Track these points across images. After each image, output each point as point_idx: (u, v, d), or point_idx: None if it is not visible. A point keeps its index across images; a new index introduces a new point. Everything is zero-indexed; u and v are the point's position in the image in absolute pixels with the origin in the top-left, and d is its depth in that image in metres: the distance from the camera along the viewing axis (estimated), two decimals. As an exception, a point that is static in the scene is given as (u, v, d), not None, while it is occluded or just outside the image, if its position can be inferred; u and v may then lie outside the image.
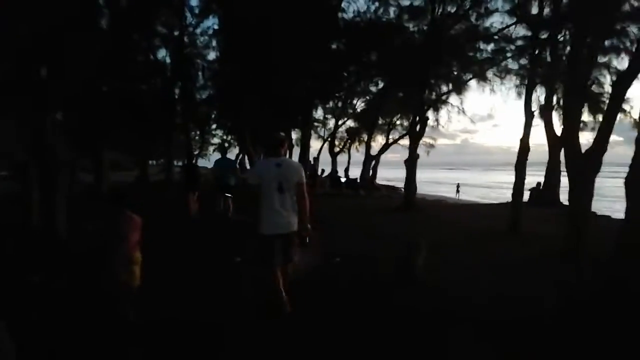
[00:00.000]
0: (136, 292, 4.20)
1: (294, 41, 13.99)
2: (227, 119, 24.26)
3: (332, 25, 14.74)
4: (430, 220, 12.39)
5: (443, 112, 17.30)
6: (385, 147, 25.11)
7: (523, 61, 13.47)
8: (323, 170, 24.48)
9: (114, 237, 4.12)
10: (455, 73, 14.05)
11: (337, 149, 38.45)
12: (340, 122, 34.12)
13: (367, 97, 24.52)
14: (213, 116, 29.86)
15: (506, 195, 32.56)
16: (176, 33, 23.09)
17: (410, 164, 14.08)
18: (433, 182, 44.30)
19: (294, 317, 4.40)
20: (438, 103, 15.02)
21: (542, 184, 17.41)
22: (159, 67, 23.11)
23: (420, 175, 22.36)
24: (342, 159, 36.35)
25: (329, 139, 37.86)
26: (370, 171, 23.61)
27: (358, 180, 21.42)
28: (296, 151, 36.75)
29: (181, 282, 5.78)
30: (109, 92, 18.83)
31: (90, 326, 4.13)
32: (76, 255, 7.25)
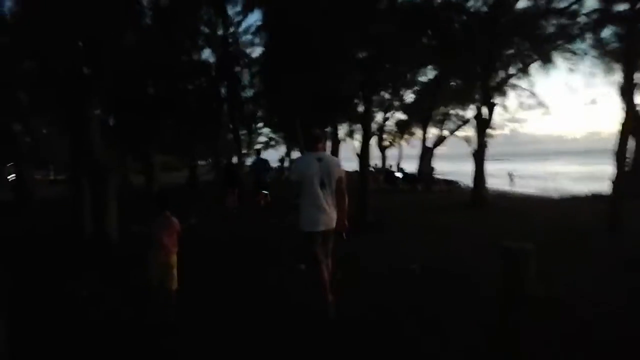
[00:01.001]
0: (175, 294, 4.22)
1: (336, 28, 13.15)
2: (274, 116, 23.72)
3: (376, 6, 13.77)
4: (507, 217, 11.21)
5: (512, 96, 15.63)
6: (440, 140, 23.70)
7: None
8: (376, 165, 23.47)
9: (152, 240, 4.23)
10: (526, 52, 12.52)
11: (386, 143, 37.42)
12: (388, 115, 33.00)
13: (417, 87, 23.29)
14: (259, 114, 29.64)
15: (568, 186, 31.18)
16: (220, 32, 22.89)
17: (479, 155, 12.85)
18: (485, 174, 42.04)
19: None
20: (504, 86, 13.57)
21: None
22: (204, 66, 22.86)
23: (462, 167, 21.05)
24: (390, 153, 35.25)
25: (377, 133, 36.85)
26: (429, 165, 22.31)
27: (416, 175, 20.23)
28: (344, 146, 36.14)
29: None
30: (155, 93, 18.64)
31: (131, 330, 4.12)
32: (126, 258, 7.08)
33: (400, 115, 33.46)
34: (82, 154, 7.46)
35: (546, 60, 13.88)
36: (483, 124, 12.76)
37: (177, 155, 37.44)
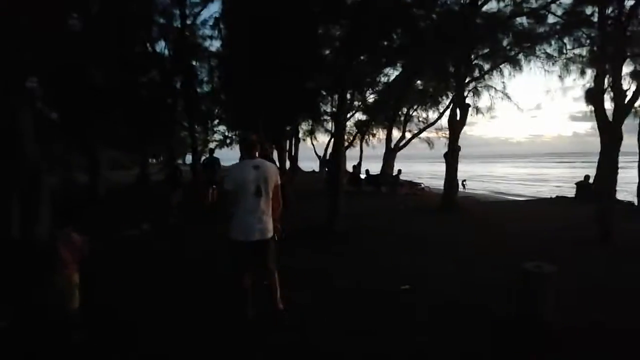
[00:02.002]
0: (77, 313, 4.01)
1: (298, 26, 12.50)
2: (233, 113, 22.64)
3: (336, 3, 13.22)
4: (483, 223, 10.77)
5: (484, 97, 15.31)
6: (400, 140, 23.43)
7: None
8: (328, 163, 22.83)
9: (51, 258, 3.95)
10: (500, 52, 12.18)
11: (346, 144, 37.02)
12: (349, 115, 32.61)
13: (378, 88, 22.94)
14: (216, 111, 28.45)
15: (518, 189, 32.12)
16: (176, 24, 21.64)
17: (451, 157, 12.42)
18: (434, 176, 42.60)
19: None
20: (478, 86, 13.25)
21: (589, 177, 15.57)
22: (158, 58, 21.49)
23: (421, 168, 20.97)
24: (351, 153, 34.81)
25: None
26: (392, 167, 21.87)
27: (380, 177, 19.67)
28: (303, 145, 35.39)
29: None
30: (103, 84, 17.21)
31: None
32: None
33: (361, 116, 33.32)
34: (9, 149, 6.32)
35: (514, 62, 13.72)
36: (456, 126, 12.35)
37: (126, 152, 35.43)
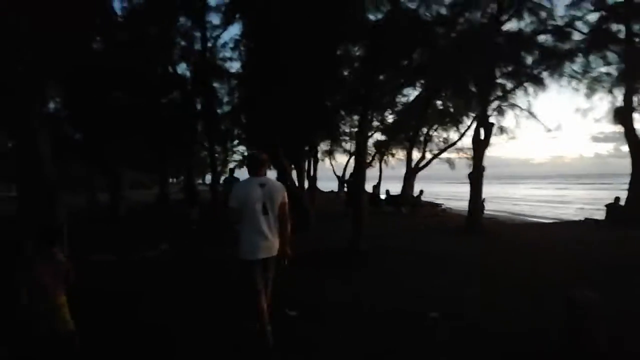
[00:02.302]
0: (74, 336, 3.84)
1: (318, 46, 12.47)
2: (252, 133, 22.70)
3: (357, 24, 13.19)
4: (509, 246, 10.22)
5: (509, 116, 14.72)
6: (420, 161, 23.09)
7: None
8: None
9: (32, 283, 3.69)
10: (528, 69, 11.80)
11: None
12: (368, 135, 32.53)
13: (396, 108, 22.80)
14: (236, 132, 28.67)
15: (541, 210, 31.19)
16: (197, 46, 21.99)
17: (476, 177, 12.07)
18: (453, 197, 41.79)
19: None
20: (502, 105, 12.90)
21: (620, 199, 14.98)
22: (179, 79, 21.78)
23: (439, 189, 20.57)
24: (370, 173, 34.55)
25: (355, 153, 36.22)
26: (413, 187, 21.53)
27: (400, 197, 19.33)
28: (322, 166, 35.25)
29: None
30: (126, 105, 17.44)
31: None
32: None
33: (380, 136, 33.17)
34: (28, 170, 6.28)
35: (537, 81, 13.36)
36: (481, 145, 12.04)
37: (147, 172, 35.84)
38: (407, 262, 8.14)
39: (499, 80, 11.94)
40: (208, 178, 56.00)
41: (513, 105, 12.68)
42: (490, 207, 29.92)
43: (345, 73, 16.01)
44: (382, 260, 8.19)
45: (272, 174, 24.34)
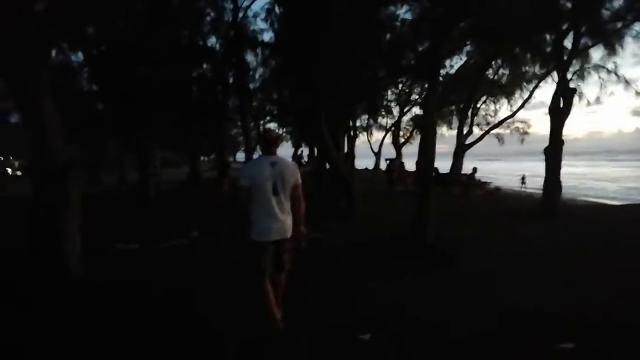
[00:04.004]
0: None
1: (357, 9, 11.16)
2: (285, 109, 21.46)
3: None
4: (610, 234, 8.52)
5: (593, 81, 12.38)
6: (467, 136, 21.31)
7: None
8: (402, 163, 21.08)
9: None
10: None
11: (401, 140, 35.10)
12: (405, 110, 30.83)
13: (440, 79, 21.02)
14: (267, 108, 27.56)
15: (604, 191, 28.77)
16: (227, 18, 20.73)
17: (554, 153, 10.40)
18: (495, 173, 39.36)
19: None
20: (585, 67, 11.01)
21: None
22: (209, 52, 20.56)
23: (484, 166, 18.81)
24: (406, 150, 33.00)
25: (392, 129, 34.48)
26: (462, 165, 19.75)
27: (450, 176, 17.67)
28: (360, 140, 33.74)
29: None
30: (152, 78, 16.43)
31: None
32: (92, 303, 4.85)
33: (417, 111, 31.37)
34: (36, 146, 5.18)
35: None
36: (560, 115, 10.31)
37: (176, 150, 35.24)
38: (490, 259, 6.56)
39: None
40: (239, 156, 55.47)
41: (598, 67, 10.72)
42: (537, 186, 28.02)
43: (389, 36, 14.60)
44: (459, 257, 6.59)
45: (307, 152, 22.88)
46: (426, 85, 9.84)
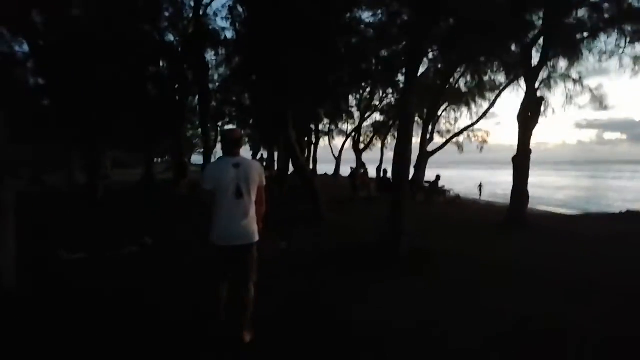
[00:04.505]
0: None
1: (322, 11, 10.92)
2: (246, 110, 20.83)
3: None
4: (578, 246, 8.39)
5: (558, 91, 12.39)
6: (428, 143, 21.41)
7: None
8: (366, 169, 20.82)
9: None
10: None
11: (362, 145, 35.07)
12: (366, 115, 30.83)
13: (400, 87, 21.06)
14: (227, 111, 26.80)
15: (556, 198, 29.80)
16: (186, 15, 19.95)
17: (522, 161, 10.32)
18: (448, 182, 40.14)
19: None
20: (552, 76, 11.03)
21: None
22: (166, 47, 19.64)
23: (432, 173, 18.99)
24: (367, 156, 33.00)
25: (353, 134, 34.38)
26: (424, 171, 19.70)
27: (414, 182, 17.50)
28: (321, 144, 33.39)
29: None
30: (104, 75, 15.42)
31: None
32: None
33: (378, 116, 31.46)
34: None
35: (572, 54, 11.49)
36: (529, 123, 10.24)
37: (129, 151, 33.73)
38: (464, 270, 6.26)
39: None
40: (194, 158, 53.99)
41: (565, 77, 10.79)
42: (496, 194, 28.65)
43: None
44: (432, 267, 6.29)
45: (278, 155, 22.04)
46: (402, 85, 9.52)
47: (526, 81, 10.20)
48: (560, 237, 9.21)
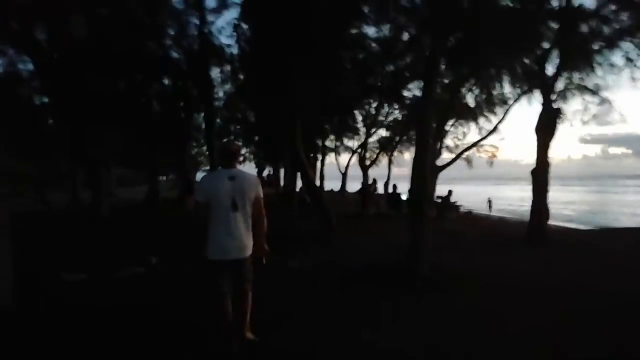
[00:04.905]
0: None
1: (327, 25, 10.80)
2: (251, 127, 20.64)
3: None
4: (605, 262, 7.95)
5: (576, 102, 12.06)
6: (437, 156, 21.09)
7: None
8: (375, 182, 20.46)
9: None
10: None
11: (367, 162, 34.75)
12: (372, 131, 30.56)
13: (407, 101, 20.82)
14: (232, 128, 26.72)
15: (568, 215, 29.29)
16: (190, 32, 19.93)
17: (541, 174, 9.97)
18: (466, 197, 39.87)
19: None
20: (569, 88, 10.67)
21: None
22: (171, 64, 19.53)
23: (444, 188, 18.59)
24: (373, 173, 32.66)
25: (359, 150, 34.05)
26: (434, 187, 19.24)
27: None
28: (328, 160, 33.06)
29: None
30: (109, 91, 15.31)
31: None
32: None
33: (383, 132, 31.21)
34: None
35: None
36: (546, 134, 9.92)
37: (134, 168, 33.63)
38: (493, 292, 5.75)
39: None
40: (199, 175, 53.84)
41: (581, 88, 10.43)
42: (504, 209, 28.21)
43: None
44: (460, 292, 5.73)
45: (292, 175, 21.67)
46: (420, 94, 9.22)
47: (542, 93, 9.93)
48: (585, 253, 8.79)
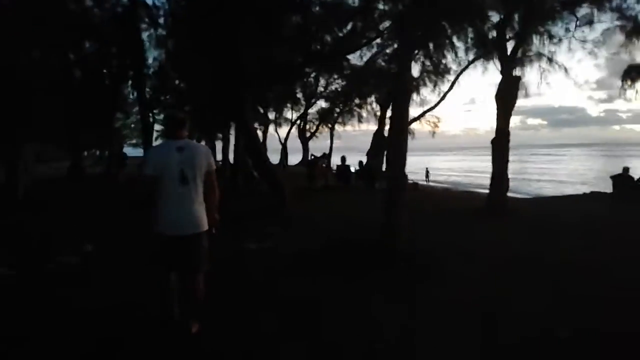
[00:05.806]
0: None
1: None
2: (186, 95, 19.21)
3: None
4: (567, 232, 7.98)
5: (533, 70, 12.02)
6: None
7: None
8: (325, 155, 19.88)
9: None
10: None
11: (307, 134, 34.26)
12: (311, 102, 30.05)
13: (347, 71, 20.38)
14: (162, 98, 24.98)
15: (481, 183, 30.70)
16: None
17: (501, 144, 9.86)
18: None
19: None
20: (527, 55, 10.60)
21: (629, 170, 13.67)
22: (92, 28, 17.57)
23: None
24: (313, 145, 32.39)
25: (299, 122, 33.41)
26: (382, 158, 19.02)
27: (374, 170, 16.70)
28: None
29: None
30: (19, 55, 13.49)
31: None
32: None
33: (323, 104, 30.81)
34: None
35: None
36: (507, 103, 9.76)
37: (54, 143, 30.77)
38: (474, 269, 5.46)
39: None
40: (126, 150, 50.55)
41: (540, 56, 10.48)
42: (446, 179, 28.91)
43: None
44: (440, 267, 5.42)
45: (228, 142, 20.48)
46: (398, 58, 8.72)
47: (500, 61, 9.80)
48: (548, 223, 8.88)
